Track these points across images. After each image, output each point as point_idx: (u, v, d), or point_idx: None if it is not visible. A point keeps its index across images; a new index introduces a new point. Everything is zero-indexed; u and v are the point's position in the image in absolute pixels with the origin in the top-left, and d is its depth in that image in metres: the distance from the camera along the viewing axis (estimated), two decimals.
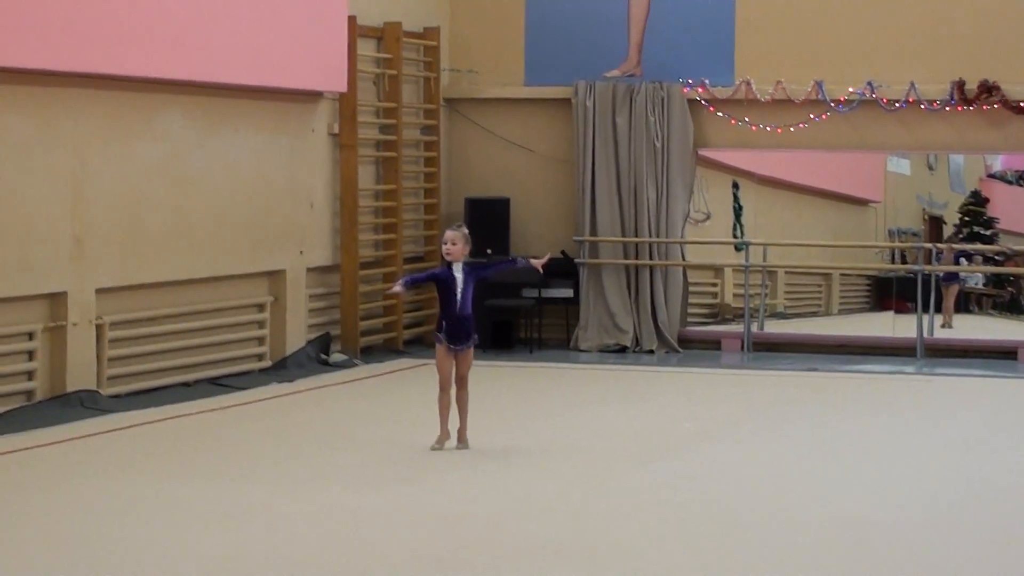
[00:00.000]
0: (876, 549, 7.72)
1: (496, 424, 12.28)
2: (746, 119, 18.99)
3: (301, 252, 16.61)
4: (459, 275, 11.03)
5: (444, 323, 11.09)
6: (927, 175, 27.72)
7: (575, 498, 9.26)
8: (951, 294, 22.02)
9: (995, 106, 18.28)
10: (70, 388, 13.19)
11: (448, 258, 11.10)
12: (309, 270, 16.80)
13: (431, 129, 19.21)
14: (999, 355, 18.44)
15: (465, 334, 11.08)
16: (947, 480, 9.94)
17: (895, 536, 8.04)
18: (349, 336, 17.18)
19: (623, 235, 19.18)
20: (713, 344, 19.39)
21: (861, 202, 26.29)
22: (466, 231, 11.26)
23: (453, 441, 11.02)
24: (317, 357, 16.64)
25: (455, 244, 11.05)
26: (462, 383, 11.16)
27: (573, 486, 9.66)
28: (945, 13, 18.71)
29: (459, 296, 10.98)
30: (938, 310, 20.54)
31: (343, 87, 16.74)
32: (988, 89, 18.21)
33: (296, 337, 16.45)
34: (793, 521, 8.44)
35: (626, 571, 7.30)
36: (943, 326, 20.79)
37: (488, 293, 18.42)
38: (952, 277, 22.14)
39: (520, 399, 14.08)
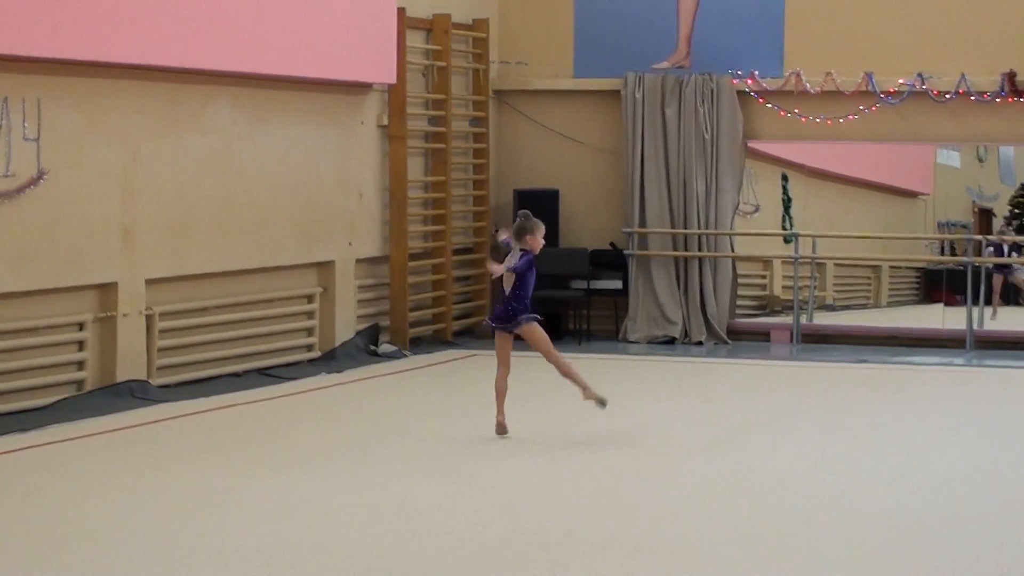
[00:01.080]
0: (925, 542, 7.70)
1: (545, 416, 12.27)
2: (796, 111, 18.93)
3: (350, 243, 16.65)
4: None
5: (525, 303, 11.62)
6: (977, 167, 27.52)
7: (626, 490, 9.26)
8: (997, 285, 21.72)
9: None
10: (120, 378, 13.25)
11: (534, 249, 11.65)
12: (358, 261, 16.84)
13: (480, 121, 19.19)
14: None
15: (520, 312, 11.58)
16: (999, 473, 9.88)
17: (945, 530, 8.01)
18: (398, 327, 17.18)
19: (672, 227, 19.12)
20: (762, 336, 19.37)
21: (911, 194, 26.12)
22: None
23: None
24: (366, 348, 16.68)
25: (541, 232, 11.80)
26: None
27: (623, 478, 9.65)
28: (995, 4, 18.60)
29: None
30: (988, 302, 20.42)
31: (392, 79, 16.74)
32: None
33: (345, 328, 16.48)
34: (842, 514, 8.40)
35: (677, 564, 7.25)
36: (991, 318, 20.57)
37: (537, 284, 18.37)
38: (1000, 267, 21.90)
39: (569, 391, 13.98)
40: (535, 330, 11.41)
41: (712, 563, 7.34)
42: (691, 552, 7.52)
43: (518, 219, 11.79)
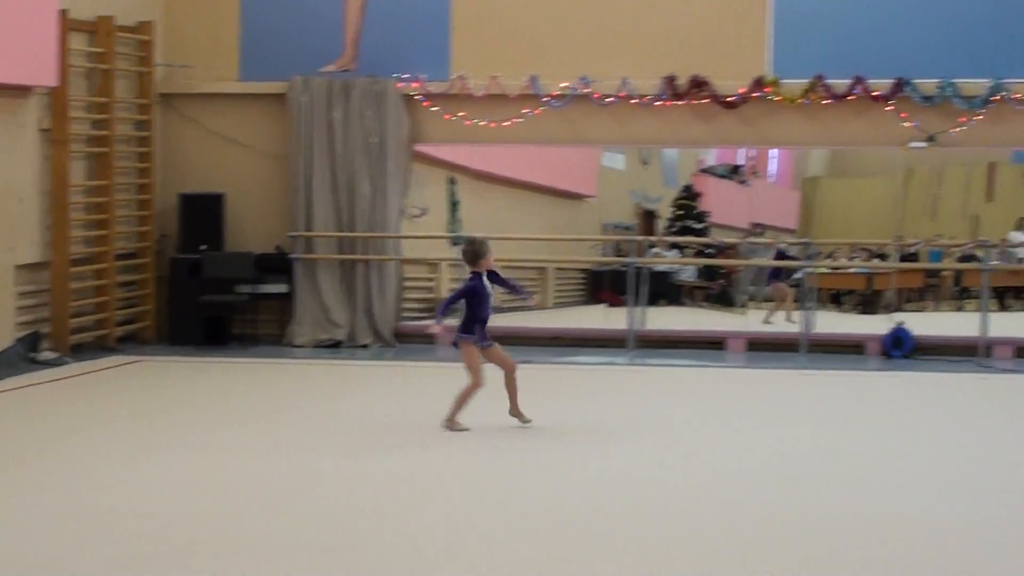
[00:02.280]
0: (583, 537, 7.97)
1: (208, 421, 12.42)
2: (461, 114, 19.44)
3: (11, 249, 16.49)
4: (487, 283, 12.07)
5: (476, 326, 12.00)
6: (641, 170, 28.64)
7: (283, 491, 9.23)
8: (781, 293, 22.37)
9: (705, 101, 19.09)
10: None
11: (486, 269, 12.03)
12: (17, 267, 16.66)
13: (145, 124, 19.28)
14: (708, 345, 19.34)
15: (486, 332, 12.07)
16: (660, 468, 10.21)
17: (603, 525, 8.27)
18: (59, 334, 17.10)
19: (338, 230, 19.49)
20: (428, 338, 19.61)
21: (576, 197, 27.04)
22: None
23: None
24: (26, 356, 16.50)
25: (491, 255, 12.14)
26: (511, 369, 12.19)
27: (286, 479, 9.67)
28: (656, 9, 19.44)
29: (491, 301, 12.08)
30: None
31: (53, 81, 16.62)
32: (698, 84, 19.00)
33: (2, 335, 16.31)
34: (509, 510, 8.66)
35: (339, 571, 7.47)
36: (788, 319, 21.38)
37: (202, 289, 18.61)
38: (774, 274, 22.42)
39: (233, 396, 14.19)
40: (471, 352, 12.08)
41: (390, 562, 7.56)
42: (361, 551, 7.71)
43: (469, 246, 12.22)
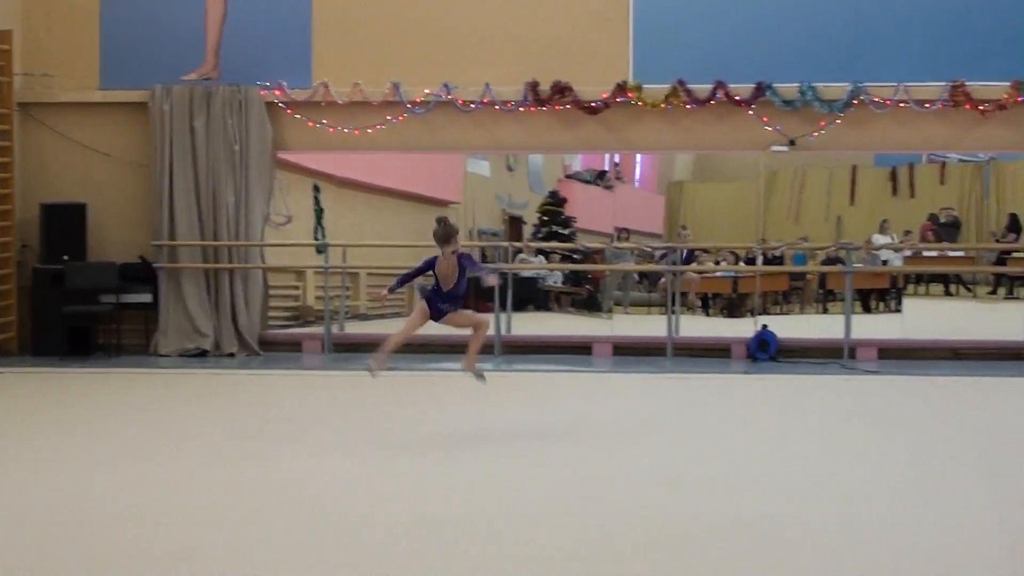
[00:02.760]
0: (450, 544, 7.99)
1: (64, 432, 12.36)
2: (324, 121, 19.60)
3: None
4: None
5: (433, 294, 12.45)
6: (507, 176, 28.83)
7: (150, 498, 9.23)
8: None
9: (567, 107, 19.33)
10: None
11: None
12: None
13: (4, 134, 19.24)
14: (575, 350, 19.58)
15: (452, 304, 12.38)
16: (523, 471, 10.28)
17: (469, 531, 8.31)
18: None
19: (202, 239, 19.53)
20: (295, 346, 19.92)
21: (442, 203, 27.14)
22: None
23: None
24: None
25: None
26: (472, 327, 12.65)
27: (151, 486, 9.63)
28: (518, 16, 19.68)
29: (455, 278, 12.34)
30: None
31: None
32: (561, 90, 19.25)
33: None
34: (374, 518, 8.67)
35: (200, 571, 7.49)
36: None
37: (65, 299, 18.56)
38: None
39: (97, 406, 14.15)
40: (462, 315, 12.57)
41: (239, 569, 7.63)
42: (216, 561, 7.69)
43: (441, 227, 12.67)
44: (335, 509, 8.90)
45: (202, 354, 19.22)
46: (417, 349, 19.54)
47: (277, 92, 19.61)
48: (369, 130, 19.54)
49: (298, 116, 19.66)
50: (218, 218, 19.48)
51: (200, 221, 19.52)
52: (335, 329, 20.18)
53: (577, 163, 30.66)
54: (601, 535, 8.11)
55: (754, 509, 8.70)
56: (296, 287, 22.29)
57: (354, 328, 21.25)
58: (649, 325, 21.63)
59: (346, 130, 19.57)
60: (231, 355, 19.25)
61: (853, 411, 13.78)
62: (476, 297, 21.23)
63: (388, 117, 19.52)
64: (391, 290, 12.86)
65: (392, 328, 19.35)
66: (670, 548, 7.78)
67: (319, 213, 23.10)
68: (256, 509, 8.87)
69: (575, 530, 8.21)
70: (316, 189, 23.25)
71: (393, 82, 19.45)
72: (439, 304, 12.32)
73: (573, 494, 9.31)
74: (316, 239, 22.22)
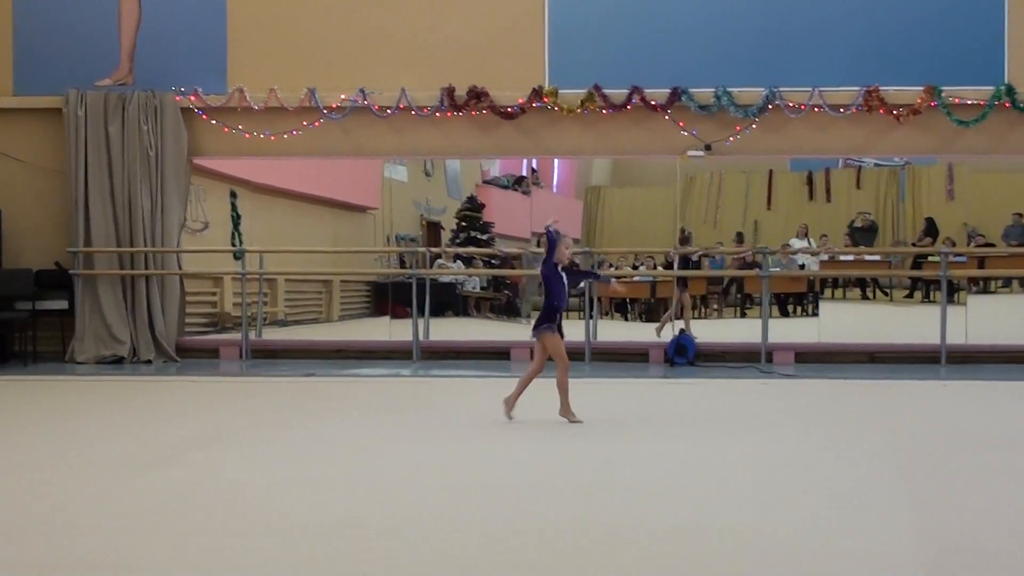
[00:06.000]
0: (375, 549, 7.93)
1: None
2: (240, 127, 19.74)
3: None
4: (564, 275, 12.96)
5: (556, 316, 12.84)
6: (425, 181, 28.93)
7: (72, 509, 9.07)
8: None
9: (484, 112, 19.54)
10: None
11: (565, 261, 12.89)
12: None
13: None
14: (494, 356, 19.76)
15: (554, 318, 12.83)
16: (444, 476, 10.26)
17: (392, 536, 8.24)
18: None
19: (118, 245, 19.57)
20: (212, 353, 20.00)
21: (360, 209, 27.21)
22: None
23: None
24: None
25: (569, 249, 13.01)
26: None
27: (72, 497, 9.49)
28: (434, 21, 19.86)
29: (567, 292, 12.96)
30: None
31: None
32: (477, 95, 19.45)
33: None
34: (293, 523, 8.59)
35: None
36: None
37: None
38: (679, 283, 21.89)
39: (12, 414, 14.08)
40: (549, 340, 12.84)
41: None
42: (132, 570, 7.56)
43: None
44: (248, 514, 8.91)
45: (119, 361, 19.27)
46: (333, 354, 19.69)
47: (192, 98, 19.69)
48: (285, 136, 19.70)
49: (214, 122, 19.76)
50: (134, 224, 19.52)
51: (116, 227, 19.56)
52: (253, 335, 20.29)
53: (495, 168, 30.82)
54: (514, 539, 8.17)
55: (671, 515, 8.74)
56: (214, 293, 22.29)
57: (272, 334, 21.37)
58: (567, 330, 21.69)
59: (262, 135, 19.71)
60: (148, 362, 19.29)
61: (770, 415, 13.84)
62: (397, 302, 21.34)
63: (304, 123, 19.65)
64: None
65: (307, 335, 19.58)
66: (586, 555, 7.84)
67: (236, 219, 23.10)
68: (170, 516, 8.88)
69: (487, 535, 8.27)
70: (233, 195, 23.26)
71: (309, 88, 19.59)
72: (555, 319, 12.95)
73: (486, 500, 9.33)
74: (233, 245, 22.22)
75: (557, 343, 12.83)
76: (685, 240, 23.15)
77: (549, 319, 12.80)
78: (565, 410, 12.89)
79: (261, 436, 12.20)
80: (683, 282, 21.32)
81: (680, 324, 20.31)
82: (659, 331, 21.09)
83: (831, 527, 8.20)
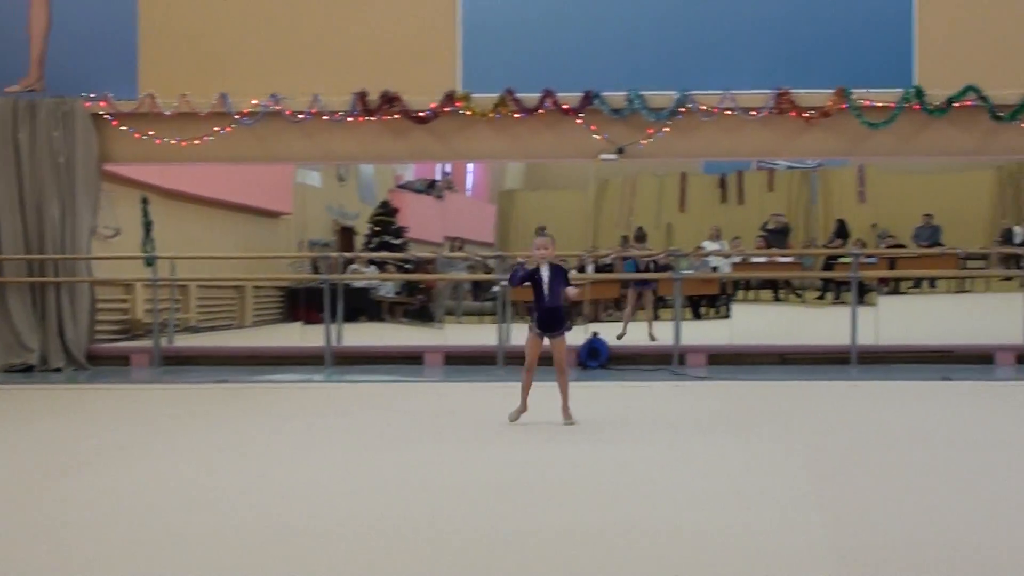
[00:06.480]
0: (298, 552, 7.91)
1: None
2: (151, 133, 19.61)
3: None
4: (546, 274, 12.72)
5: (536, 314, 12.89)
6: (338, 186, 28.95)
7: None
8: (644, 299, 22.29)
9: (396, 116, 19.51)
10: None
11: (537, 259, 12.75)
12: None
13: None
14: (407, 360, 19.76)
15: (556, 323, 12.87)
16: (361, 479, 10.20)
17: (312, 539, 8.19)
18: None
19: (27, 252, 19.44)
20: (123, 360, 19.87)
21: (273, 214, 27.21)
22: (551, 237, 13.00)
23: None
24: None
25: (545, 248, 12.75)
26: (560, 367, 13.02)
27: None
28: (346, 25, 19.83)
29: (546, 291, 12.73)
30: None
31: None
32: (389, 100, 19.43)
33: None
34: (204, 529, 8.54)
35: None
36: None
37: None
38: (640, 283, 22.03)
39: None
40: (564, 339, 13.05)
41: None
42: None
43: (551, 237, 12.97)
44: (157, 521, 8.90)
45: (28, 369, 19.12)
46: (246, 361, 19.61)
47: (103, 104, 19.56)
48: (197, 141, 19.58)
49: (124, 128, 19.64)
50: (44, 231, 19.40)
51: (25, 234, 19.44)
52: (164, 342, 20.14)
53: (409, 173, 30.89)
54: (418, 541, 8.22)
55: (580, 517, 8.75)
56: (125, 300, 22.19)
57: (184, 341, 21.21)
58: (481, 334, 21.87)
59: (173, 141, 19.58)
60: (58, 370, 19.15)
61: (682, 417, 13.91)
62: (309, 307, 21.30)
63: (216, 128, 19.56)
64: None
65: (219, 341, 19.54)
66: (493, 555, 7.89)
67: (148, 225, 22.98)
68: (78, 525, 8.84)
69: (391, 539, 8.32)
70: (144, 201, 23.15)
71: (221, 93, 19.51)
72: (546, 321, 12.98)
73: (395, 503, 9.37)
74: (145, 251, 22.09)
75: (527, 342, 13.09)
76: (640, 239, 23.34)
77: (538, 321, 12.98)
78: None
79: (172, 444, 12.15)
80: (639, 282, 21.22)
81: (594, 327, 20.35)
82: (621, 336, 21.22)
83: (740, 527, 8.26)
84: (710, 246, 25.82)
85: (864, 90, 19.14)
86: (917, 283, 26.04)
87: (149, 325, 20.97)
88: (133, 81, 19.70)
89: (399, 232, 28.51)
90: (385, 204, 29.02)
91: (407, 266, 25.73)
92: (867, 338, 19.34)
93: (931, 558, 7.37)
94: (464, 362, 19.54)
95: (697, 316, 24.22)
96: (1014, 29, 19.27)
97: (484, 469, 10.64)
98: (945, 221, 27.26)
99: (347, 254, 23.77)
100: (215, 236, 25.41)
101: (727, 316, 23.69)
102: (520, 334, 20.38)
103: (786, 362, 19.40)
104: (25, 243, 19.44)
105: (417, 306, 26.87)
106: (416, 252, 26.50)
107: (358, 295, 25.01)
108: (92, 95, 19.55)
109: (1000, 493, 9.10)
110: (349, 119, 19.59)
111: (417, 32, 19.74)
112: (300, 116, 19.54)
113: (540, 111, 19.32)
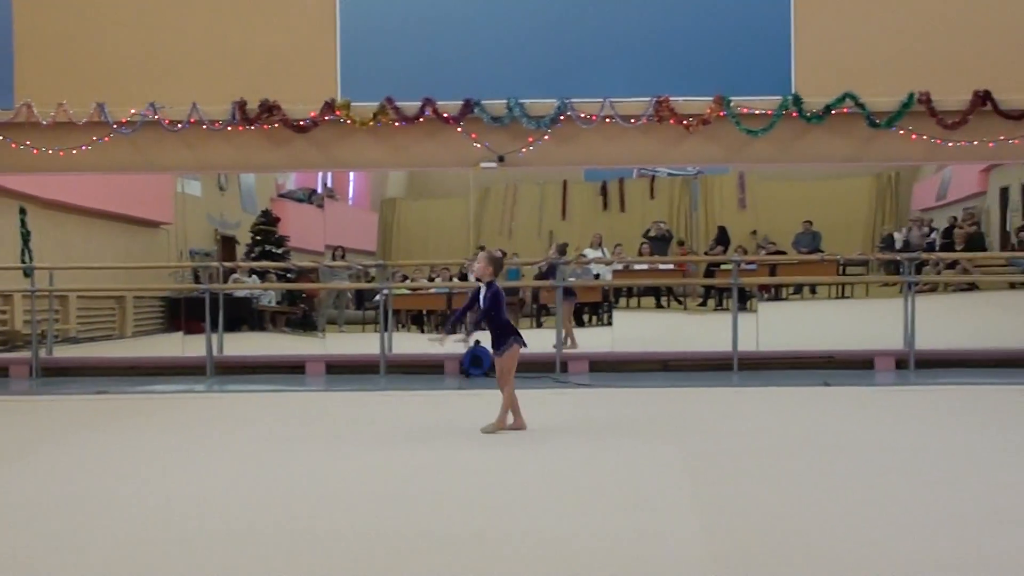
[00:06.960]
0: (178, 560, 8.01)
1: None
2: (27, 142, 19.48)
3: None
4: (483, 292, 12.78)
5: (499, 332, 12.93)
6: (219, 195, 28.82)
7: None
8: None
9: (276, 125, 19.52)
10: None
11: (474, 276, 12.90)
12: None
13: None
14: (289, 370, 19.80)
15: (497, 341, 12.90)
16: (240, 488, 10.11)
17: (194, 549, 8.14)
18: None
19: None
20: (1, 371, 19.71)
21: (153, 224, 27.04)
22: (493, 254, 12.92)
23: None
24: None
25: (478, 263, 12.79)
26: (500, 382, 13.11)
27: None
28: (224, 34, 19.84)
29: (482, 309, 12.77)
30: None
31: None
32: (269, 109, 19.42)
33: None
34: (80, 541, 8.50)
35: None
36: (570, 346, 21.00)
37: None
38: (567, 293, 21.42)
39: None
40: (506, 355, 13.01)
41: None
42: None
43: (502, 256, 13.06)
44: (39, 532, 8.89)
45: None
46: (126, 371, 19.47)
47: None
48: (75, 151, 19.47)
49: (1, 138, 19.51)
50: None
51: None
52: (43, 353, 19.99)
53: (291, 182, 30.80)
54: (298, 549, 8.25)
55: (466, 523, 8.79)
56: (3, 311, 21.99)
57: (63, 352, 20.99)
58: (363, 343, 21.84)
59: (51, 151, 19.46)
60: None
61: (564, 423, 13.94)
62: (190, 317, 21.17)
63: (94, 138, 19.45)
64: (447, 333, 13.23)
65: (99, 351, 19.40)
66: (379, 564, 7.93)
67: (25, 236, 22.81)
68: None
69: (282, 546, 8.35)
70: (22, 211, 22.97)
71: (98, 102, 19.40)
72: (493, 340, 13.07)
73: (277, 511, 9.39)
74: (23, 262, 21.94)
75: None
76: (562, 251, 23.39)
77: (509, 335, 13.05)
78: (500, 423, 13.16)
79: (49, 455, 12.06)
80: (568, 291, 21.30)
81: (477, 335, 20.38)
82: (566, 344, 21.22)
83: (620, 533, 8.34)
84: (591, 253, 25.93)
85: (743, 98, 19.33)
86: (798, 289, 26.34)
87: (28, 336, 20.83)
88: (9, 90, 19.55)
89: (281, 241, 28.44)
90: (266, 213, 28.93)
91: (289, 275, 25.64)
92: (749, 344, 19.52)
93: (803, 560, 7.49)
94: (346, 371, 19.53)
95: (579, 323, 24.31)
96: (889, 37, 19.55)
97: (360, 475, 10.66)
98: (825, 228, 27.61)
99: (228, 263, 23.61)
100: (95, 246, 25.23)
101: (609, 323, 23.80)
102: (402, 343, 20.50)
103: (668, 369, 19.53)
104: None
105: (299, 315, 26.82)
106: (298, 261, 26.42)
107: (240, 305, 24.94)
108: None
109: (875, 496, 9.25)
110: (228, 128, 19.55)
111: (296, 41, 19.73)
112: (179, 125, 19.45)
113: (420, 119, 19.34)
